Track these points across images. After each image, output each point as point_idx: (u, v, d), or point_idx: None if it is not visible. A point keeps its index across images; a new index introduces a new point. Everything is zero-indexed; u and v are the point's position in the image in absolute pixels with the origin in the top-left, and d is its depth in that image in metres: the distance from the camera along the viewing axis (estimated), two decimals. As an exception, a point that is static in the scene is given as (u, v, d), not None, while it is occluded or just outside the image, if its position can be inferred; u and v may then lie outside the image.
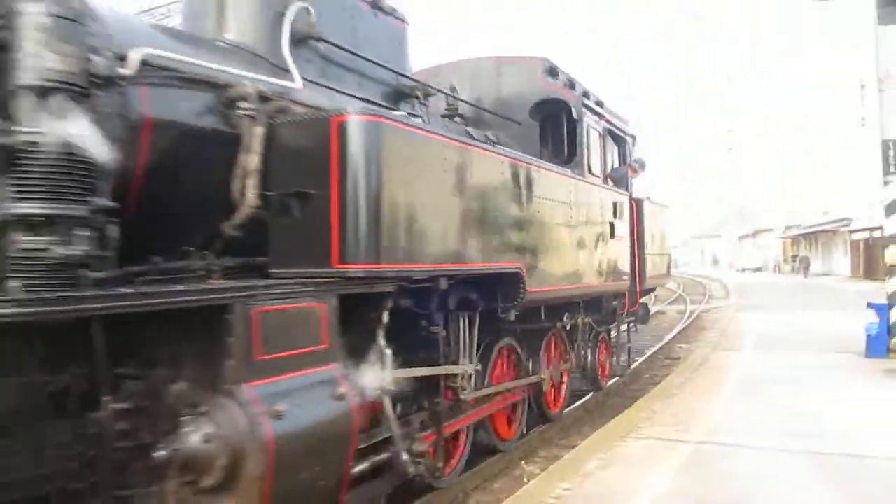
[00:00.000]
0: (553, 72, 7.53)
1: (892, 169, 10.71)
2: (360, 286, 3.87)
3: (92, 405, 2.88)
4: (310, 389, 3.41)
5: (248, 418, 3.05)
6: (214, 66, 3.92)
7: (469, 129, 6.26)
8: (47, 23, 2.91)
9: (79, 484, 2.81)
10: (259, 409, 3.10)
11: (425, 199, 4.31)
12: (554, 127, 7.43)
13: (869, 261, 36.34)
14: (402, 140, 4.10)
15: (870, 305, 11.23)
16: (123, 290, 2.95)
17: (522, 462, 7.07)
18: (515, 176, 5.51)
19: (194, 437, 3.03)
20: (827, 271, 46.32)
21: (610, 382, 10.03)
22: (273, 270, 3.85)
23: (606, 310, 8.54)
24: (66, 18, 3.01)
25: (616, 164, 8.74)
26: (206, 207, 3.74)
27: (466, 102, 6.82)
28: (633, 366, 11.83)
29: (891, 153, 10.68)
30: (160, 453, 3.00)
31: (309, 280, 3.63)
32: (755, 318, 17.81)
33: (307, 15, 4.65)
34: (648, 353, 13.91)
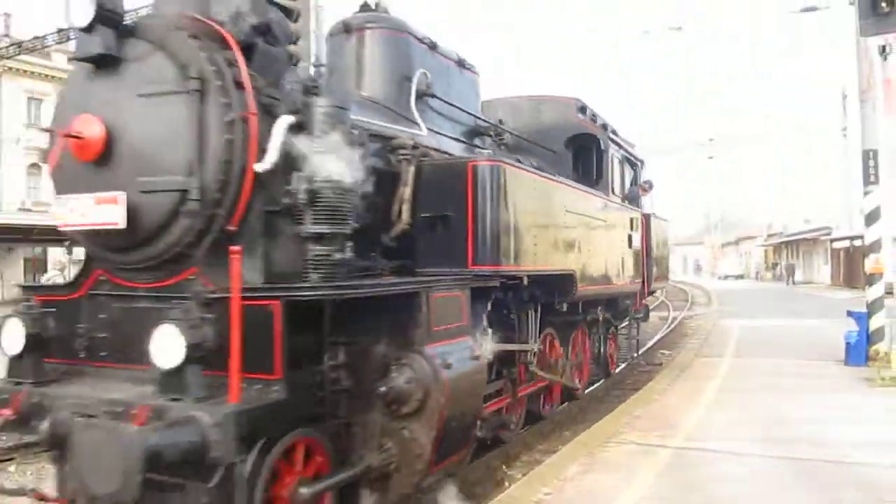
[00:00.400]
0: (584, 110, 9.33)
1: (872, 179, 10.93)
2: (484, 281, 5.53)
3: (317, 362, 4.30)
4: (460, 351, 4.94)
5: (433, 368, 4.56)
6: (382, 123, 5.64)
7: (517, 157, 7.54)
8: (329, 111, 4.56)
9: (320, 411, 4.28)
10: (437, 361, 4.61)
11: (521, 219, 5.97)
12: (584, 155, 9.28)
13: (849, 269, 36.84)
14: (510, 177, 5.76)
15: (849, 314, 11.48)
16: (369, 281, 4.73)
17: (504, 467, 7.17)
18: (574, 201, 7.43)
19: (400, 379, 4.54)
20: (808, 279, 46.95)
21: (618, 369, 12.01)
22: (419, 269, 5.47)
23: (620, 308, 10.47)
24: (339, 107, 4.72)
25: (630, 185, 10.54)
26: (375, 223, 5.34)
27: (517, 135, 8.36)
28: (618, 368, 12.54)
29: (871, 163, 10.92)
30: (381, 389, 4.49)
31: (454, 276, 5.22)
32: (737, 325, 18.05)
33: (426, 78, 6.44)
34: (630, 358, 14.06)
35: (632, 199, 10.48)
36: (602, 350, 10.68)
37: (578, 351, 9.14)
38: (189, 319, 3.61)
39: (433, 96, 6.50)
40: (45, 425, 3.64)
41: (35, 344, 4.20)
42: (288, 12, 4.95)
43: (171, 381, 3.62)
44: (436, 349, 4.66)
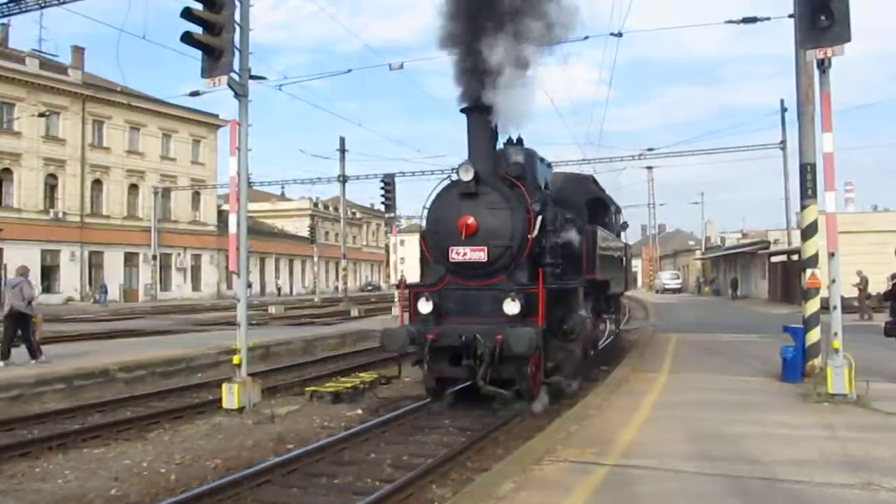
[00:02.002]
0: (595, 182, 16.59)
1: (809, 193, 11.43)
2: (587, 283, 12.33)
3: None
4: (586, 313, 12.43)
5: (581, 319, 11.79)
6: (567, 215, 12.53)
7: (566, 211, 12.64)
8: (551, 212, 11.33)
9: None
10: (582, 315, 11.97)
11: (598, 251, 12.73)
12: (596, 209, 14.86)
13: (787, 284, 38.04)
14: (597, 232, 12.76)
15: (785, 329, 11.93)
16: (562, 283, 11.69)
17: (433, 486, 7.25)
18: (609, 241, 14.56)
19: (570, 323, 11.49)
20: (746, 293, 48.39)
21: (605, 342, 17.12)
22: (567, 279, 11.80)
23: (613, 303, 17.02)
24: (555, 209, 11.91)
25: (615, 224, 17.23)
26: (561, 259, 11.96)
27: (567, 200, 13.40)
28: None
29: (808, 177, 11.43)
30: (564, 327, 11.45)
31: (580, 281, 12.08)
32: (674, 339, 18.59)
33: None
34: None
35: (618, 234, 17.56)
36: (606, 327, 17.68)
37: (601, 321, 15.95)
38: (515, 297, 10.37)
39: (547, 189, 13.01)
40: (456, 338, 10.43)
41: (434, 307, 11.02)
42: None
43: (513, 319, 10.35)
44: (580, 312, 11.74)
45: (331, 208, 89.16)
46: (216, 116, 62.34)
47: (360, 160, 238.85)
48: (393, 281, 37.49)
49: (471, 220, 10.85)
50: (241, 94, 11.56)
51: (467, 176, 10.81)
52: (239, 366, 11.56)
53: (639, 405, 9.57)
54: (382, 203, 35.32)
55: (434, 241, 11.32)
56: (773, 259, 42.77)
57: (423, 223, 11.55)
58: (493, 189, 10.98)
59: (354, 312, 36.63)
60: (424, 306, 11.11)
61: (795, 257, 34.65)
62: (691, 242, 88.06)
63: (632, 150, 43.57)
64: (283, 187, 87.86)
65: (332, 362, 17.90)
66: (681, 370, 13.02)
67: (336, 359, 18.46)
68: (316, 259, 61.24)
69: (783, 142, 40.03)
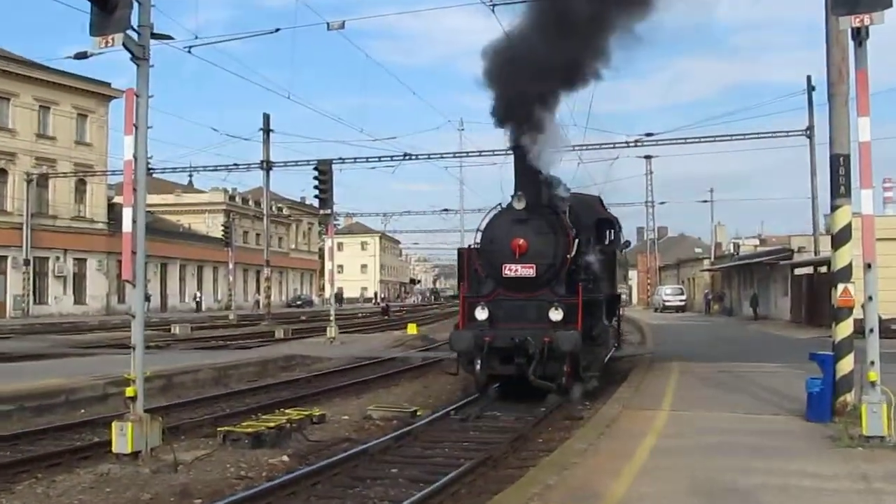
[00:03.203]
0: (601, 202, 21.99)
1: (842, 190, 11.48)
2: (609, 297, 19.77)
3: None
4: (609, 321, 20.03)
5: (607, 326, 19.76)
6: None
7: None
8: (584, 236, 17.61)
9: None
10: (607, 324, 19.66)
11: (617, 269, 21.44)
12: (602, 229, 19.75)
13: (813, 302, 38.53)
14: (616, 252, 21.02)
15: (812, 357, 12.05)
16: (594, 295, 17.61)
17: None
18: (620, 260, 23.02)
19: (597, 329, 17.67)
20: (764, 313, 48.96)
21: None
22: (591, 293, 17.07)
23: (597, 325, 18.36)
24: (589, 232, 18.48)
25: (616, 240, 21.11)
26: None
27: (574, 223, 17.39)
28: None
29: (841, 171, 11.50)
30: (593, 333, 17.15)
31: (606, 295, 18.91)
32: (676, 369, 18.78)
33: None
34: (543, 409, 14.41)
35: (621, 250, 22.42)
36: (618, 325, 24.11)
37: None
38: (558, 306, 15.47)
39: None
40: (509, 340, 15.29)
41: (489, 315, 15.87)
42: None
43: (557, 325, 15.32)
44: (604, 321, 18.53)
45: (251, 202, 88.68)
46: (108, 85, 61.67)
47: (289, 143, 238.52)
48: (328, 294, 38.34)
49: (522, 242, 15.85)
50: (140, 56, 11.43)
51: (520, 205, 16.06)
52: (133, 399, 11.40)
53: (633, 451, 9.63)
54: (316, 197, 35.10)
55: (488, 258, 16.49)
56: (797, 271, 43.25)
57: (476, 242, 17.07)
58: (540, 216, 16.29)
59: (279, 334, 36.40)
60: (481, 314, 15.98)
61: (824, 269, 35.15)
62: (698, 250, 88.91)
63: (626, 134, 43.93)
64: (191, 176, 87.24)
65: (250, 396, 17.77)
66: (684, 407, 13.15)
67: (256, 392, 18.34)
68: (231, 266, 60.71)
69: (810, 128, 40.61)
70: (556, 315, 15.49)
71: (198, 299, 75.96)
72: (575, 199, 18.72)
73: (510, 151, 17.11)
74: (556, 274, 16.12)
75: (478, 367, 15.43)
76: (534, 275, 15.87)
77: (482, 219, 17.10)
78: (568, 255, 16.21)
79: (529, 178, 16.49)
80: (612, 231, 20.59)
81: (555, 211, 16.74)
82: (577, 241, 16.55)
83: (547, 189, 17.09)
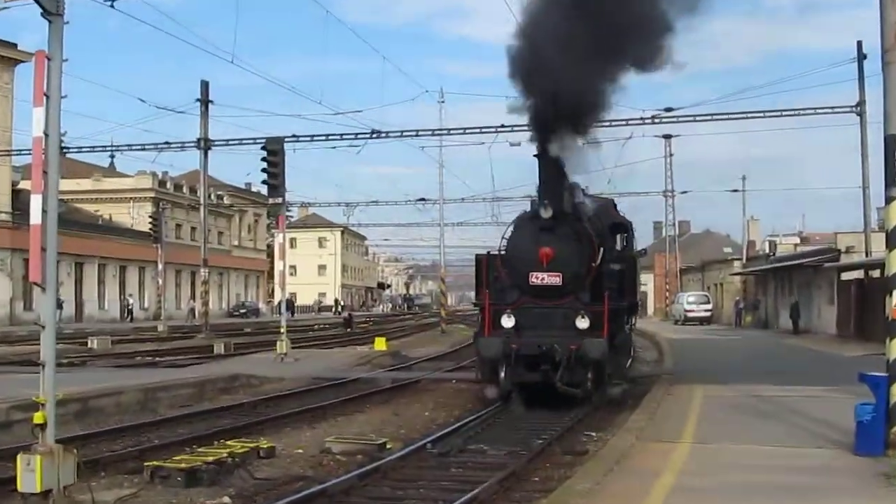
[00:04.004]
0: (615, 206, 25.94)
1: (899, 179, 11.51)
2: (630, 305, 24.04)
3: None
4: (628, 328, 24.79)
5: (629, 333, 24.93)
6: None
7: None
8: (611, 248, 22.01)
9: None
10: (628, 328, 24.51)
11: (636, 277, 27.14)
12: (616, 232, 22.87)
13: (864, 312, 38.72)
14: (637, 259, 26.95)
15: (862, 378, 12.08)
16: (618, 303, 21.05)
17: None
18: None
19: (620, 337, 21.52)
20: (806, 326, 49.09)
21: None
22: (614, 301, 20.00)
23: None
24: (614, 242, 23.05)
25: (628, 245, 24.06)
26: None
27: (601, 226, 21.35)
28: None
29: (897, 156, 11.54)
30: (614, 341, 20.27)
31: (628, 303, 22.88)
32: (699, 393, 18.87)
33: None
34: (539, 441, 14.46)
35: (638, 258, 26.95)
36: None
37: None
38: (585, 314, 18.59)
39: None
40: (535, 347, 18.20)
41: (516, 322, 18.98)
42: None
43: (583, 333, 18.42)
44: (626, 328, 23.46)
45: (185, 189, 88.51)
46: (13, 47, 61.32)
47: (233, 117, 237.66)
48: (278, 301, 39.42)
49: (549, 251, 18.62)
50: (52, 11, 11.41)
51: (547, 214, 18.72)
52: (43, 428, 11.36)
53: (647, 492, 9.65)
54: (265, 183, 35.00)
55: (514, 266, 19.47)
56: (845, 276, 43.32)
57: (500, 250, 20.09)
58: (566, 224, 19.15)
59: (219, 349, 36.31)
60: (507, 321, 18.90)
61: (877, 273, 35.32)
62: (727, 250, 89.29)
63: (641, 109, 43.85)
64: (113, 156, 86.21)
65: (184, 424, 17.73)
66: (710, 438, 13.21)
67: (191, 419, 18.30)
68: (161, 266, 60.59)
69: (860, 104, 40.69)
70: (582, 323, 18.50)
71: (129, 306, 75.55)
72: (590, 203, 21.90)
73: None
74: (581, 282, 19.11)
75: (503, 374, 18.30)
76: (560, 283, 18.81)
77: (507, 226, 20.97)
78: (593, 264, 19.24)
79: (555, 185, 19.29)
80: (626, 236, 23.72)
81: (579, 218, 19.74)
82: (601, 249, 19.67)
83: (571, 196, 19.96)
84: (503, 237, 20.26)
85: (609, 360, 18.80)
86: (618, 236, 23.05)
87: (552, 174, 19.28)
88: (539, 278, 18.82)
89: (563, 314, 18.90)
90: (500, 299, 19.56)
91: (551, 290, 18.95)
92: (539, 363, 18.21)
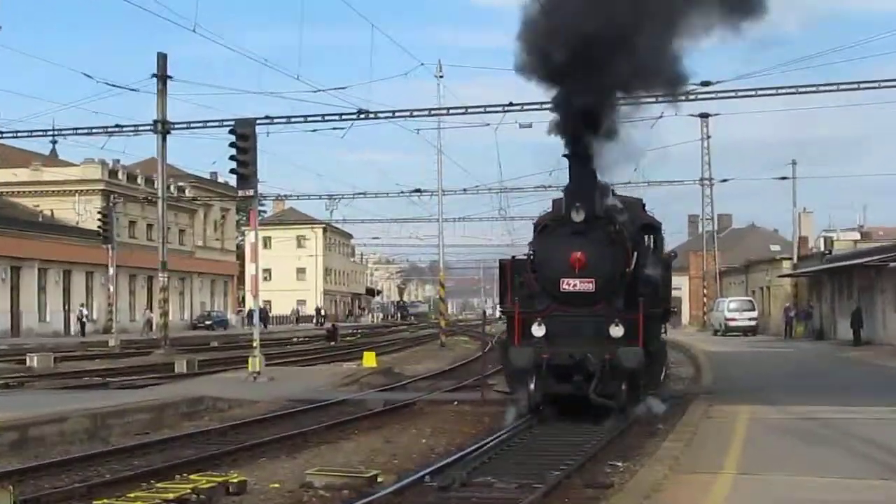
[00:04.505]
0: (643, 206, 25.75)
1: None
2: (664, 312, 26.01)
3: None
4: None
5: (664, 341, 26.51)
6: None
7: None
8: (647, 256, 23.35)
9: None
10: (663, 337, 26.69)
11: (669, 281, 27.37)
12: (645, 233, 24.11)
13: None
14: (671, 262, 28.28)
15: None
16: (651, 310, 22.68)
17: None
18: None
19: (654, 345, 22.98)
20: (869, 336, 49.00)
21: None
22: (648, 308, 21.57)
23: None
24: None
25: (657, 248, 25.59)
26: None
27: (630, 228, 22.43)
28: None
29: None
30: (649, 349, 21.81)
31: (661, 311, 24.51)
32: (744, 415, 18.85)
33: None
34: (556, 473, 14.43)
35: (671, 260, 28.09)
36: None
37: None
38: (619, 322, 20.09)
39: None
40: (567, 357, 19.84)
41: (546, 331, 20.51)
42: None
43: (619, 341, 19.93)
44: (661, 337, 25.11)
45: (140, 180, 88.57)
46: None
47: (196, 95, 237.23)
48: (248, 308, 39.60)
49: (581, 256, 20.00)
50: (-19, -28, 11.39)
51: (579, 217, 20.21)
52: (-27, 461, 11.39)
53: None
54: (234, 172, 34.92)
55: (544, 272, 20.94)
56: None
57: (527, 254, 22.21)
58: (599, 228, 20.63)
59: (181, 367, 36.31)
60: (538, 330, 20.35)
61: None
62: (775, 247, 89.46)
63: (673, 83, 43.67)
64: (54, 142, 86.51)
65: (140, 455, 17.71)
66: (757, 469, 13.17)
67: (148, 449, 18.28)
68: (112, 271, 60.64)
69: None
70: (616, 331, 19.96)
71: (83, 318, 75.25)
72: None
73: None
74: (615, 288, 20.63)
75: (532, 386, 19.72)
76: (593, 289, 20.32)
77: (536, 232, 22.67)
78: (627, 269, 20.82)
79: (587, 186, 20.86)
80: (657, 238, 25.47)
81: (612, 221, 21.08)
82: (635, 253, 21.19)
83: (602, 197, 21.26)
84: (531, 242, 22.54)
85: (644, 369, 20.23)
86: (647, 238, 24.33)
87: (584, 175, 20.85)
88: (571, 284, 20.30)
89: (595, 322, 20.43)
90: (528, 306, 21.06)
91: (583, 297, 20.42)
92: (571, 374, 19.70)
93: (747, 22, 21.69)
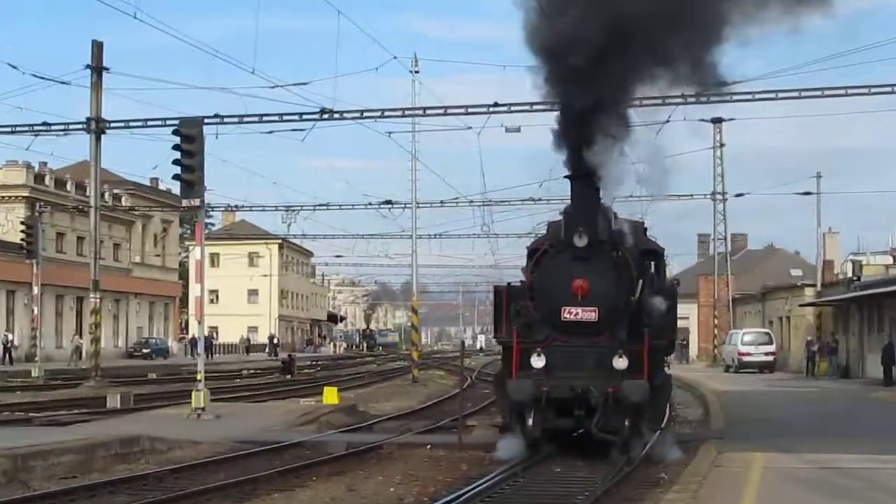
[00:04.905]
0: (645, 230, 27.27)
1: None
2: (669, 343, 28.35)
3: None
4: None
5: (667, 374, 28.19)
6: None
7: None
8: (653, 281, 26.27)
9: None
10: (667, 370, 29.23)
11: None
12: (648, 258, 25.95)
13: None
14: (676, 291, 28.62)
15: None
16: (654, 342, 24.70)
17: None
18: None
19: (660, 379, 25.11)
20: (898, 374, 49.10)
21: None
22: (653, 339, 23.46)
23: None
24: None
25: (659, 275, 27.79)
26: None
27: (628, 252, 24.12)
28: None
29: None
30: (655, 383, 23.75)
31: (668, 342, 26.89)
32: (758, 465, 18.89)
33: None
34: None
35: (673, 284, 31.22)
36: None
37: None
38: (622, 353, 21.78)
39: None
40: (569, 388, 21.35)
41: (546, 362, 22.11)
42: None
43: (622, 373, 21.59)
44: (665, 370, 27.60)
45: (71, 186, 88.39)
46: None
47: (136, 90, 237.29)
48: (192, 335, 39.98)
49: (585, 283, 21.35)
50: None
51: (581, 242, 21.55)
52: None
53: None
54: (178, 179, 34.94)
55: (544, 299, 22.34)
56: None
57: (522, 281, 23.76)
58: (602, 253, 22.06)
59: (114, 401, 36.24)
60: (537, 361, 21.63)
61: None
62: (796, 272, 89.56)
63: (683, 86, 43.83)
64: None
65: (66, 503, 17.71)
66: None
67: (75, 496, 18.27)
68: (37, 290, 60.48)
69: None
70: (620, 363, 21.39)
71: (9, 344, 74.19)
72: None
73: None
74: (618, 318, 22.20)
75: (530, 421, 20.98)
76: (596, 319, 21.73)
77: (533, 256, 23.65)
78: (632, 297, 22.38)
79: (590, 209, 22.25)
80: (659, 264, 27.16)
81: (616, 247, 22.62)
82: (640, 280, 22.79)
83: (606, 221, 22.66)
84: (531, 268, 23.39)
85: (648, 404, 21.61)
86: (650, 264, 25.79)
87: (587, 197, 22.23)
88: (573, 313, 21.66)
89: (598, 353, 21.95)
90: (526, 336, 22.45)
91: (585, 327, 21.86)
92: (572, 407, 21.03)
93: (811, 13, 22.54)
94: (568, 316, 21.56)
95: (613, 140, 21.89)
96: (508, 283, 24.54)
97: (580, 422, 20.84)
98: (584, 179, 21.97)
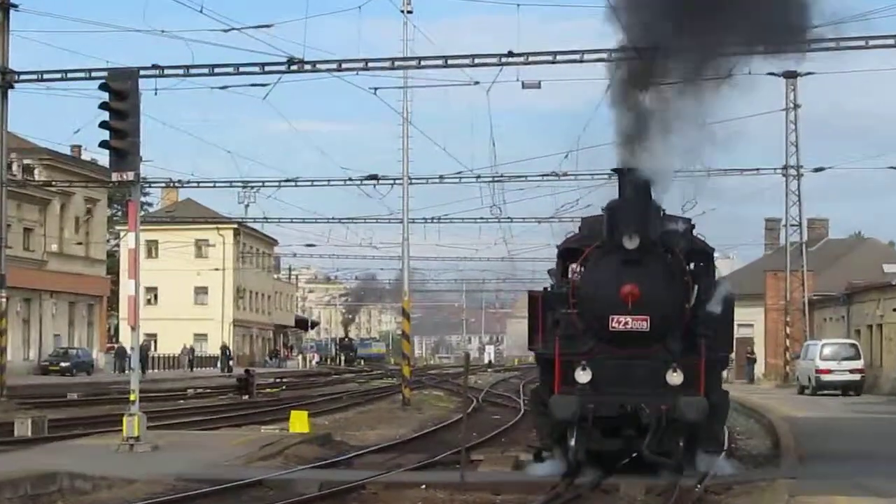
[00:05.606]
0: (692, 227, 28.39)
1: None
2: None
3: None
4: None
5: (723, 390, 30.80)
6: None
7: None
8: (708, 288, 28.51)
9: None
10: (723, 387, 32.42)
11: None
12: (696, 260, 28.05)
13: None
14: (734, 299, 29.35)
15: None
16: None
17: None
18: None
19: (717, 396, 27.67)
20: None
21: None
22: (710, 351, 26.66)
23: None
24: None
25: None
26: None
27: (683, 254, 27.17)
28: None
29: None
30: (712, 401, 27.23)
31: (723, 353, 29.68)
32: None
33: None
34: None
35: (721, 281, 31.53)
36: None
37: None
38: (677, 367, 24.10)
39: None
40: (617, 408, 23.75)
41: (592, 376, 24.43)
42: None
43: (678, 389, 23.98)
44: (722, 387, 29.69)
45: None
46: None
47: (53, 33, 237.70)
48: (124, 344, 40.86)
49: (635, 289, 22.90)
50: None
51: (632, 244, 23.13)
52: None
53: None
54: (106, 146, 34.93)
55: (590, 308, 24.04)
56: None
57: (554, 285, 26.56)
58: (655, 257, 23.89)
59: (24, 430, 36.24)
60: (583, 375, 23.32)
61: None
62: (890, 268, 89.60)
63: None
64: None
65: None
66: None
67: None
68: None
69: None
70: (674, 378, 23.26)
71: None
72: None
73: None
74: (671, 327, 24.10)
75: (573, 441, 22.86)
76: (647, 328, 23.53)
77: (567, 258, 26.44)
78: (687, 305, 24.33)
79: (642, 208, 24.11)
80: (709, 267, 28.72)
81: (669, 249, 24.65)
82: (696, 286, 24.70)
83: (658, 220, 24.69)
84: (573, 270, 25.87)
85: (704, 424, 23.35)
86: (704, 267, 27.87)
87: (640, 194, 24.11)
88: (622, 322, 23.30)
89: (649, 367, 23.75)
90: (568, 347, 24.11)
91: (636, 337, 23.63)
92: (621, 427, 23.05)
93: None
94: (616, 325, 22.89)
95: (681, 125, 23.59)
96: (545, 289, 26.26)
97: (630, 443, 22.46)
98: (636, 174, 23.45)
